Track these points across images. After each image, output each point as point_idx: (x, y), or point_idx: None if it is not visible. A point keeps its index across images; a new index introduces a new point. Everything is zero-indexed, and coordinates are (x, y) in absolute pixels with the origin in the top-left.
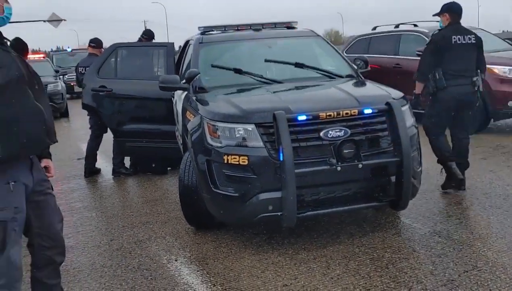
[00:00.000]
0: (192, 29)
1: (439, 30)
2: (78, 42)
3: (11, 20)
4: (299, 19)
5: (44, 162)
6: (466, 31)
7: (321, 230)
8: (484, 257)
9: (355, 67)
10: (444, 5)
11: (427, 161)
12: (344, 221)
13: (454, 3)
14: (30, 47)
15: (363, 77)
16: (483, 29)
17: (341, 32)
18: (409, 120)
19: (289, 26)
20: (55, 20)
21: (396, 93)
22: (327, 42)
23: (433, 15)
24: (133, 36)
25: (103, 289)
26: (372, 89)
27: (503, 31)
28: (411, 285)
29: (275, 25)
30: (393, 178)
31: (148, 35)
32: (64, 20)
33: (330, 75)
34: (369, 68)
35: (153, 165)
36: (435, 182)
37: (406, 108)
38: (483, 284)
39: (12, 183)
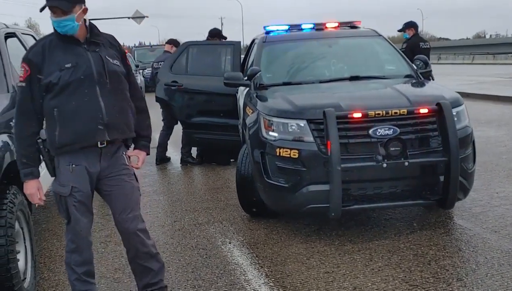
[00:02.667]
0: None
1: (407, 39)
2: (159, 38)
3: (100, 17)
4: (378, 16)
5: (134, 152)
6: (425, 40)
7: (369, 225)
8: None
9: (415, 67)
10: (409, 22)
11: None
12: (393, 218)
13: (413, 21)
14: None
15: (422, 78)
16: None
17: (421, 29)
18: (463, 121)
19: (352, 25)
20: (138, 17)
21: (451, 94)
22: (389, 42)
23: (398, 31)
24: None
25: (165, 260)
26: (427, 89)
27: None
28: (451, 282)
29: (338, 25)
30: (442, 178)
31: (214, 33)
32: (147, 16)
33: (388, 76)
34: (429, 68)
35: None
36: (497, 185)
37: (460, 109)
38: None
39: (73, 165)
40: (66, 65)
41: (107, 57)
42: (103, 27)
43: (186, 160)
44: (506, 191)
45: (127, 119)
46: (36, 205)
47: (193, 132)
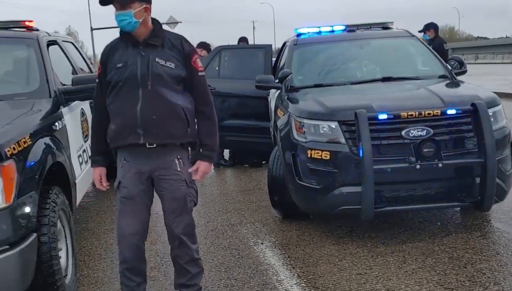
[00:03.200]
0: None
1: (428, 40)
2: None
3: None
4: (412, 16)
5: (196, 164)
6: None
7: (403, 227)
8: None
9: (449, 68)
10: (429, 23)
11: None
12: (427, 220)
13: (434, 22)
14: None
15: (456, 78)
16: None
17: (457, 28)
18: (500, 122)
19: (384, 26)
20: (172, 23)
21: (487, 94)
22: (422, 43)
23: (419, 32)
24: (243, 35)
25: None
26: (462, 90)
27: None
28: (487, 286)
29: (370, 26)
30: (478, 179)
31: (243, 40)
32: (180, 22)
33: (422, 76)
34: (464, 69)
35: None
36: None
37: (496, 109)
38: None
39: (124, 161)
40: (118, 65)
41: (157, 59)
42: None
43: (218, 162)
44: None
45: (169, 125)
46: (77, 204)
47: (225, 135)
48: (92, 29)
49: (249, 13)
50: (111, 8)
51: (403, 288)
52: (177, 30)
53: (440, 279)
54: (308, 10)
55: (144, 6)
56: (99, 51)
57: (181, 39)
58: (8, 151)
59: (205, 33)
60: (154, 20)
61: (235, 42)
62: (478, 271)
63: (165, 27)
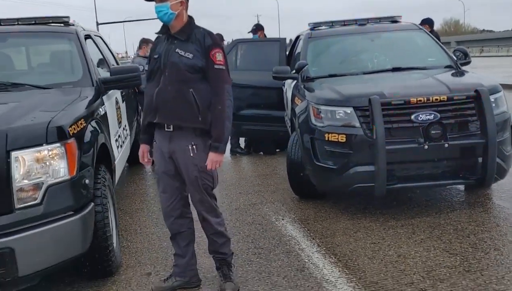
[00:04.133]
0: (303, 21)
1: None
2: None
3: (145, 18)
4: (418, 9)
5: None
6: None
7: (412, 205)
8: None
9: (455, 58)
10: (425, 19)
11: None
12: (434, 198)
13: (430, 18)
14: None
15: (461, 68)
16: None
17: (462, 21)
18: (501, 107)
19: (393, 20)
20: None
21: (490, 82)
22: (429, 35)
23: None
24: (247, 29)
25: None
26: (466, 78)
27: None
28: (488, 251)
29: (379, 20)
30: (480, 159)
31: (260, 29)
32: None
33: (429, 66)
34: (469, 59)
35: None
36: None
37: (498, 95)
38: None
39: (155, 142)
40: (155, 56)
41: (177, 50)
42: (148, 27)
43: (235, 150)
44: None
45: (177, 108)
46: (115, 183)
47: (241, 124)
48: (97, 24)
49: (253, 7)
50: (115, 3)
51: (413, 254)
52: None
53: (446, 247)
54: (313, 4)
55: (180, 0)
56: None
57: (205, 34)
58: (71, 130)
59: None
60: (190, 17)
61: (240, 36)
62: (480, 240)
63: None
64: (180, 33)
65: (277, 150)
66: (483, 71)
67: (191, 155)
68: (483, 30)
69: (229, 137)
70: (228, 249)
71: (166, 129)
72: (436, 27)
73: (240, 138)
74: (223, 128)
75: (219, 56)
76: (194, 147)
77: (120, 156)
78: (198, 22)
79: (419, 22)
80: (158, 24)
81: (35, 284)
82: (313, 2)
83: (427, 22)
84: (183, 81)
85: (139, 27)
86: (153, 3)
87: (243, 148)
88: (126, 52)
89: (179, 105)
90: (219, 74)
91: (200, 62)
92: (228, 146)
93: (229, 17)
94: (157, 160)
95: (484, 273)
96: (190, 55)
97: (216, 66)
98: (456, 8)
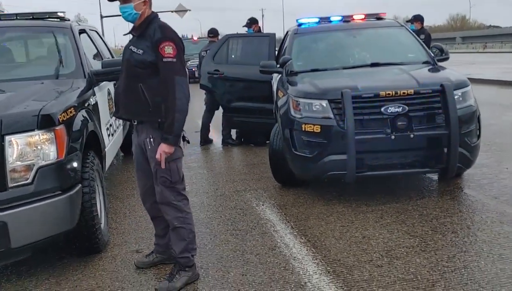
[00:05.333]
0: (308, 16)
1: (418, 30)
2: (201, 31)
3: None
4: (423, 3)
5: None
6: None
7: (385, 193)
8: None
9: (432, 55)
10: (417, 15)
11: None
12: (406, 187)
13: (421, 15)
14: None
15: (438, 64)
16: None
17: (468, 17)
18: (468, 100)
19: (377, 17)
20: (181, 11)
21: (458, 78)
22: (409, 32)
23: (407, 21)
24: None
25: (208, 218)
26: (437, 74)
27: None
28: (446, 234)
29: (364, 17)
30: (446, 150)
31: (254, 22)
32: (189, 10)
33: (406, 62)
34: (446, 56)
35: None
36: (508, 162)
37: (465, 90)
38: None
39: (133, 134)
40: (122, 55)
41: (132, 46)
42: None
43: (226, 141)
44: None
45: (129, 102)
46: (106, 169)
47: (233, 116)
48: (102, 17)
49: (259, 2)
50: None
51: (377, 236)
52: (186, 17)
53: (408, 229)
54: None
55: (143, 0)
56: (107, 38)
57: (156, 28)
58: (60, 118)
59: (215, 20)
60: (151, 14)
61: (245, 30)
62: (441, 224)
63: (173, 15)
64: (136, 30)
65: (266, 141)
66: (481, 67)
67: (149, 147)
68: (490, 25)
69: (221, 129)
70: (180, 250)
71: (133, 123)
72: (442, 22)
73: (231, 129)
74: (173, 120)
75: (168, 49)
76: (151, 139)
77: (111, 143)
78: (202, 15)
79: (411, 17)
80: (163, 18)
81: (27, 257)
82: None
83: (419, 19)
84: (133, 76)
85: None
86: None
87: (235, 139)
88: None
89: (130, 100)
90: (168, 66)
91: (149, 57)
92: (221, 137)
93: (235, 10)
94: (133, 150)
95: (437, 253)
96: (141, 51)
97: (164, 60)
98: (462, 3)
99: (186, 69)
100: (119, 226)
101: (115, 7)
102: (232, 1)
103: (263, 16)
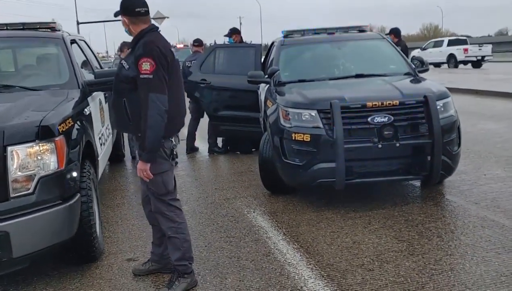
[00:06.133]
0: (284, 24)
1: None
2: (178, 38)
3: (118, 19)
4: (397, 13)
5: None
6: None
7: (371, 199)
8: (497, 223)
9: (413, 66)
10: (392, 29)
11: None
12: (391, 193)
13: (398, 28)
14: None
15: (419, 75)
16: None
17: (440, 27)
18: (449, 111)
19: (360, 29)
20: (159, 18)
21: (439, 89)
22: (391, 44)
23: (386, 34)
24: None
25: (200, 225)
26: (419, 85)
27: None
28: (431, 237)
29: (348, 29)
30: (429, 158)
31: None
32: (167, 17)
33: (389, 73)
34: (426, 67)
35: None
36: (486, 168)
37: (446, 101)
38: (494, 243)
39: None
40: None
41: (123, 61)
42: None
43: (213, 149)
44: (493, 173)
45: (117, 117)
46: (98, 178)
47: (219, 124)
48: (78, 23)
49: (236, 10)
50: (95, 2)
51: (366, 241)
52: (164, 24)
53: (395, 234)
54: (295, 7)
55: (122, 19)
56: None
57: (141, 44)
58: (59, 128)
59: (193, 28)
60: (143, 30)
61: (222, 37)
62: (426, 229)
63: (151, 22)
64: (131, 45)
65: (252, 149)
66: (453, 76)
67: (138, 159)
68: (461, 35)
69: (207, 138)
70: (176, 258)
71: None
72: (416, 31)
73: (217, 137)
74: (144, 137)
75: (145, 66)
76: (137, 152)
77: (103, 152)
78: (184, 22)
79: (390, 30)
80: None
81: (25, 266)
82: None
83: (393, 32)
84: (119, 91)
85: (119, 27)
86: None
87: (220, 147)
88: (107, 52)
89: (116, 114)
90: (143, 83)
91: (132, 73)
92: (207, 145)
93: (213, 18)
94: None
95: (425, 256)
96: (127, 66)
97: (141, 76)
98: (435, 13)
99: (165, 86)
100: (112, 234)
101: (90, 13)
102: (210, 9)
103: (241, 24)
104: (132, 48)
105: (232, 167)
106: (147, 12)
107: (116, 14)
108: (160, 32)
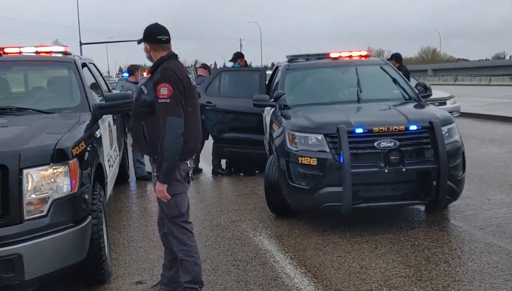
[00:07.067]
0: (284, 46)
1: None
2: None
3: (124, 39)
4: (395, 36)
5: None
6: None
7: (376, 223)
8: (504, 249)
9: (417, 91)
10: (393, 54)
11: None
12: (397, 217)
13: (400, 54)
14: (139, 64)
15: (422, 100)
16: None
17: (438, 50)
18: (453, 136)
19: (363, 55)
20: None
21: (443, 114)
22: (394, 69)
23: (388, 59)
24: (229, 53)
25: (206, 248)
26: (424, 110)
27: None
28: (438, 263)
29: (351, 54)
30: (435, 183)
31: (240, 56)
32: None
33: (393, 98)
34: (429, 93)
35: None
36: (490, 193)
37: (450, 126)
38: (501, 269)
39: None
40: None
41: (143, 86)
42: (126, 49)
43: (216, 171)
44: (497, 198)
45: (136, 139)
46: (107, 199)
47: (223, 146)
48: (81, 44)
49: (237, 32)
50: (98, 24)
51: (374, 266)
52: None
53: (402, 259)
54: (294, 30)
55: (144, 46)
56: None
57: (159, 70)
58: (74, 151)
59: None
60: (163, 56)
61: (222, 59)
62: (433, 254)
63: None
64: (151, 71)
65: (256, 171)
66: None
67: (154, 181)
68: (459, 59)
69: (211, 159)
70: (187, 280)
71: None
72: (414, 55)
73: (221, 159)
74: (161, 159)
75: (163, 91)
76: (155, 174)
77: (111, 174)
78: (184, 44)
79: (391, 55)
80: (137, 46)
81: (36, 289)
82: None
83: (395, 57)
84: (137, 114)
85: (120, 48)
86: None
87: (224, 168)
88: (108, 72)
89: (135, 136)
90: (161, 107)
91: (150, 98)
92: (211, 166)
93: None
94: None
95: (433, 282)
96: (146, 91)
97: (159, 100)
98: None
99: (181, 109)
100: (119, 256)
101: (92, 34)
102: (211, 31)
103: (241, 46)
104: (151, 74)
105: (236, 189)
106: (168, 40)
107: (139, 42)
108: (178, 59)
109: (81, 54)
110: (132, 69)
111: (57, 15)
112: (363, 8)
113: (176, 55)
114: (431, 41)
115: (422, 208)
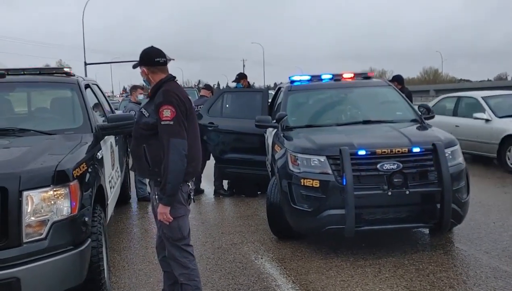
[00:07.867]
0: (286, 66)
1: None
2: (183, 79)
3: (130, 60)
4: (397, 57)
5: None
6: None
7: (380, 246)
8: (510, 274)
9: (419, 113)
10: (394, 76)
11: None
12: (400, 240)
13: (401, 76)
14: (141, 84)
15: (425, 122)
16: None
17: (440, 70)
18: (457, 159)
19: (365, 76)
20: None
21: (447, 137)
22: (397, 91)
23: (390, 80)
24: (233, 73)
25: (208, 271)
26: (427, 132)
27: None
28: (444, 288)
29: (353, 76)
30: (438, 205)
31: (244, 77)
32: (173, 59)
33: (396, 120)
34: (432, 114)
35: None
36: (495, 216)
37: (454, 149)
38: None
39: None
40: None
41: (143, 109)
42: (130, 69)
43: (218, 191)
44: (503, 221)
45: (137, 161)
46: (107, 221)
47: (225, 167)
48: (86, 64)
49: (239, 52)
50: (102, 44)
51: (377, 290)
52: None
53: (407, 284)
54: (296, 50)
55: (141, 69)
56: None
57: (160, 93)
58: (74, 173)
59: (199, 70)
60: (163, 79)
61: (226, 79)
62: (438, 278)
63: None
64: (150, 94)
65: (258, 192)
66: None
67: (154, 203)
68: (461, 79)
69: (213, 180)
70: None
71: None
72: (416, 75)
73: (223, 180)
74: (165, 181)
75: (166, 113)
76: (155, 197)
77: (112, 195)
78: (187, 65)
79: (392, 77)
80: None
81: None
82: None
83: (396, 79)
84: (138, 137)
85: (124, 68)
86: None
87: (226, 189)
88: (112, 92)
89: (136, 158)
90: (164, 129)
91: (151, 120)
92: (213, 187)
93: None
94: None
95: None
96: (147, 114)
97: (162, 122)
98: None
99: (184, 131)
100: (119, 279)
101: (96, 54)
102: (214, 52)
103: (244, 66)
104: (151, 97)
105: (238, 210)
106: (165, 62)
107: (135, 66)
108: (177, 82)
109: (86, 74)
110: (131, 90)
111: (63, 37)
112: (365, 29)
113: (175, 77)
114: (433, 61)
115: (426, 230)
